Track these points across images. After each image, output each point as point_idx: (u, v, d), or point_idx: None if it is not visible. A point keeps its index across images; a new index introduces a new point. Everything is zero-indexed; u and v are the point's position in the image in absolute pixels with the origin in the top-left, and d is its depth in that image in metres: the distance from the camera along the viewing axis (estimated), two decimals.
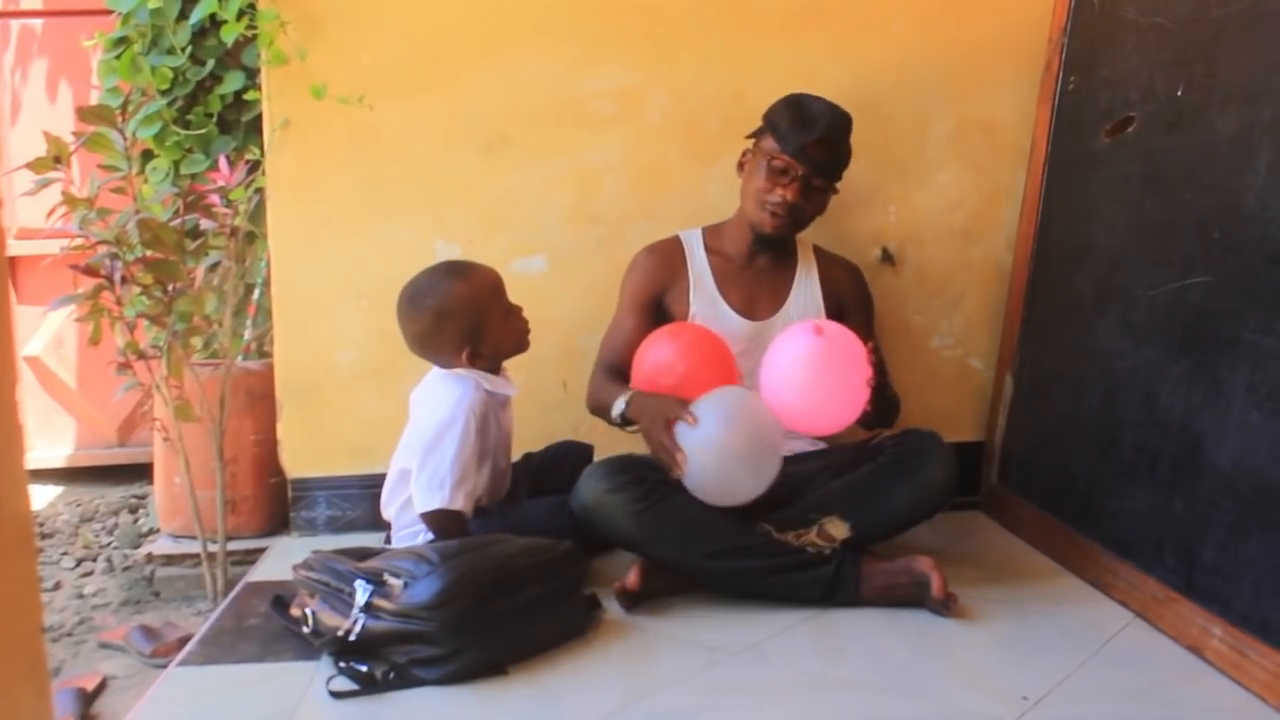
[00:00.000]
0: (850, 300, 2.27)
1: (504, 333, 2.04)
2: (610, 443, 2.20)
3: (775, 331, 2.05)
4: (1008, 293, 2.53)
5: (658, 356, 2.00)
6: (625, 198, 2.48)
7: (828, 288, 2.25)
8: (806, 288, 2.24)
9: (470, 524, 2.03)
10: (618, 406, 1.99)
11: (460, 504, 1.94)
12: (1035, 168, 2.44)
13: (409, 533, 2.06)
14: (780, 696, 1.62)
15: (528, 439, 2.26)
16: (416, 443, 1.99)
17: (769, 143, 2.12)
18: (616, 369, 2.14)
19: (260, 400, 2.52)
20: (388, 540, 2.15)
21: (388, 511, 2.12)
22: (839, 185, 2.18)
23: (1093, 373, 2.12)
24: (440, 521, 1.94)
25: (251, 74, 2.67)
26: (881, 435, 2.08)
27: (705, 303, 2.20)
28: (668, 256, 2.25)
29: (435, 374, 2.07)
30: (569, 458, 2.23)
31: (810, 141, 2.07)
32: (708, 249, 2.25)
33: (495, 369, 2.08)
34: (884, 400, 1.97)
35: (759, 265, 2.24)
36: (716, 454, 1.83)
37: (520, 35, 2.43)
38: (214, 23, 2.53)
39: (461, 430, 1.94)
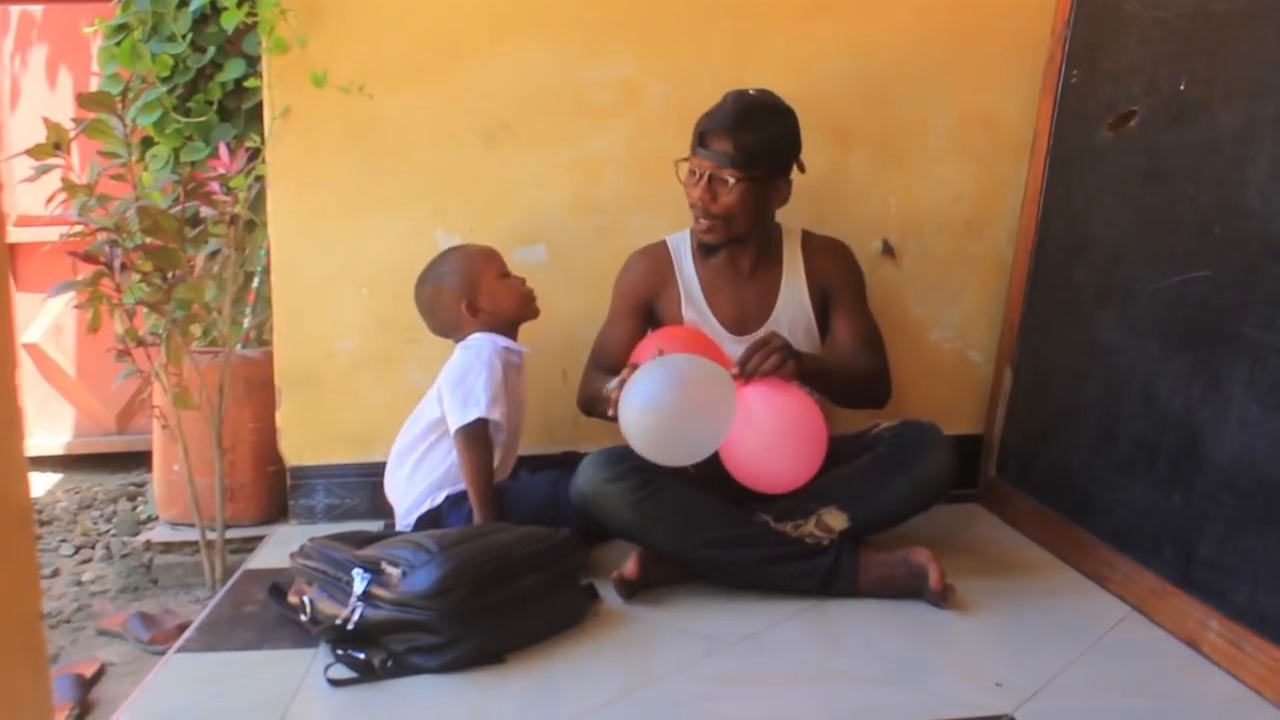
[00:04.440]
0: (834, 283, 2.20)
1: (501, 289, 2.17)
2: (607, 438, 2.19)
3: None
4: (1008, 286, 2.53)
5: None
6: (625, 188, 2.48)
7: (814, 283, 2.19)
8: (793, 292, 2.19)
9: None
10: (613, 382, 1.97)
11: (496, 415, 2.05)
12: (1037, 161, 2.44)
13: (415, 499, 2.08)
14: (778, 687, 1.63)
15: (526, 428, 2.26)
16: (444, 382, 2.10)
17: None
18: (607, 370, 2.14)
19: (259, 388, 2.52)
20: (389, 527, 2.16)
21: (393, 480, 2.14)
22: (781, 181, 2.09)
23: (1092, 367, 2.12)
24: (476, 434, 2.04)
25: (252, 61, 2.66)
26: (880, 426, 2.08)
27: (697, 319, 2.18)
28: (657, 264, 2.23)
29: (456, 349, 2.18)
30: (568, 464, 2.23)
31: (705, 131, 2.04)
32: (695, 254, 2.21)
33: (504, 332, 2.16)
34: (830, 381, 2.04)
35: (745, 271, 2.19)
36: (639, 399, 1.77)
37: (521, 24, 2.42)
38: (214, 10, 2.53)
39: (488, 363, 2.07)
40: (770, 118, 2.06)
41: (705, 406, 1.78)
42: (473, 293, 2.15)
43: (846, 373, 2.12)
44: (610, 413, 1.87)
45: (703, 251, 2.17)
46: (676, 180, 2.10)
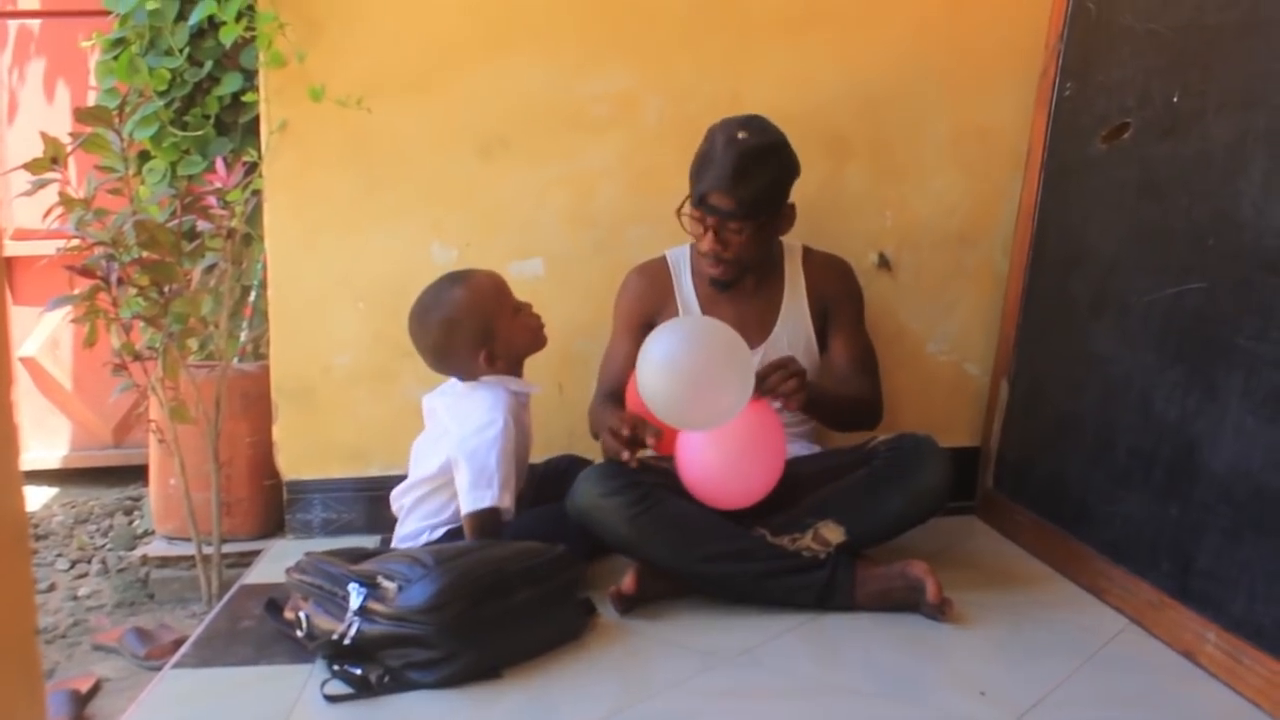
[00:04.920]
0: (834, 300, 2.22)
1: (516, 330, 2.08)
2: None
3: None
4: (1003, 298, 2.53)
5: None
6: (622, 201, 2.48)
7: (815, 299, 2.21)
8: (794, 310, 2.20)
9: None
10: (610, 418, 1.98)
11: (508, 502, 1.97)
12: (1031, 173, 2.45)
13: (411, 533, 2.07)
14: (774, 701, 1.62)
15: None
16: (456, 448, 1.99)
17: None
18: (615, 394, 2.14)
19: (256, 402, 2.52)
20: (385, 542, 2.15)
21: (399, 503, 2.12)
22: (785, 208, 2.10)
23: (1088, 378, 2.12)
24: (487, 520, 1.96)
25: (249, 76, 2.67)
26: (877, 439, 2.08)
27: None
28: (656, 280, 2.23)
29: (461, 385, 2.09)
30: (569, 472, 2.22)
31: (705, 193, 2.02)
32: (694, 270, 2.22)
33: (514, 370, 2.10)
34: (829, 411, 2.07)
35: (747, 287, 2.19)
36: (660, 354, 1.81)
37: (518, 39, 2.43)
38: (212, 24, 2.53)
39: (501, 430, 1.97)
40: (765, 161, 2.02)
41: (726, 366, 1.79)
42: (490, 341, 2.03)
43: (843, 400, 2.13)
44: (625, 456, 1.88)
45: (714, 285, 2.17)
46: (673, 193, 2.11)
